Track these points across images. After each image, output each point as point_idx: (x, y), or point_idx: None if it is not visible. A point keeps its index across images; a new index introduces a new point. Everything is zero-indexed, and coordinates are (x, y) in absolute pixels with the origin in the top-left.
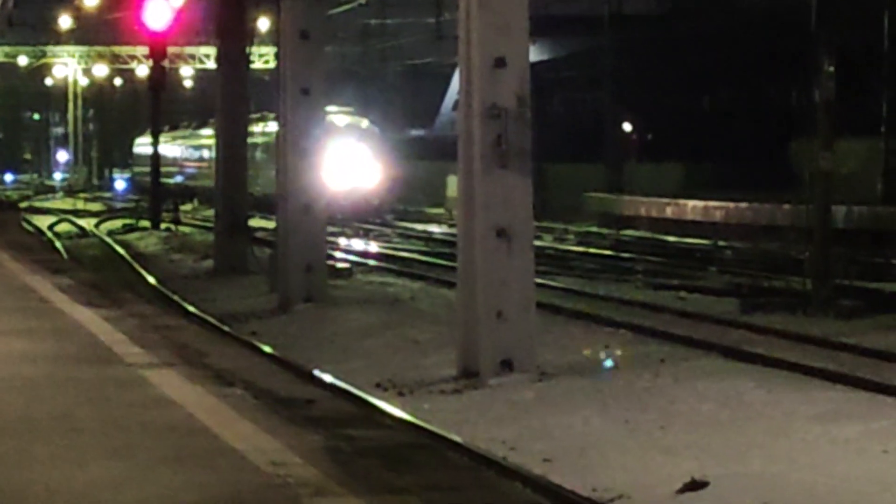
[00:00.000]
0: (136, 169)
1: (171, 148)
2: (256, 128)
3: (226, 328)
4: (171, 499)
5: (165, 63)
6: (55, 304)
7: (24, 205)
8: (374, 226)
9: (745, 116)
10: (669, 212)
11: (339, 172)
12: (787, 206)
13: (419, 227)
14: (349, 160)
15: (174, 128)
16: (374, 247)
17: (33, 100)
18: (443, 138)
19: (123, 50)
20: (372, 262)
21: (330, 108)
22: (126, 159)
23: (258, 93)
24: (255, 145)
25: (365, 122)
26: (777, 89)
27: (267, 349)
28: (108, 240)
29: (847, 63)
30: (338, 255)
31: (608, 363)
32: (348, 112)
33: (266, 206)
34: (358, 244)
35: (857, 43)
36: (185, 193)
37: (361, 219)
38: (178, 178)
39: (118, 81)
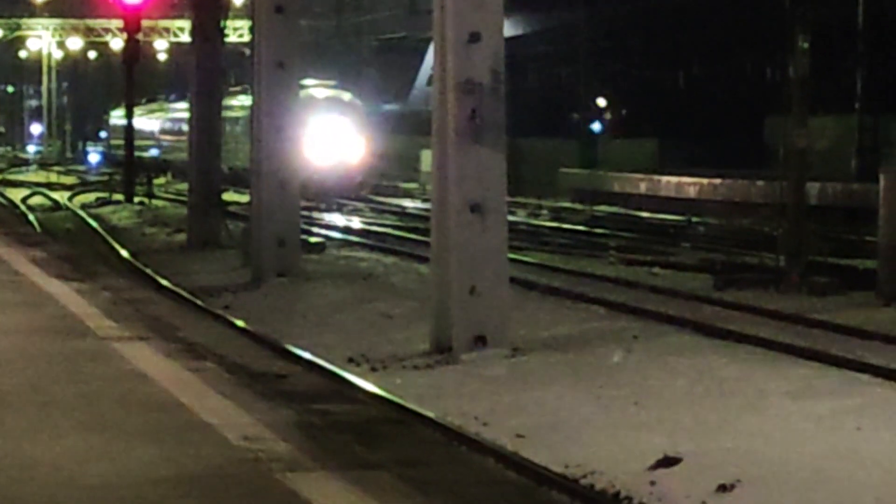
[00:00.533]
0: (112, 142)
1: (145, 121)
2: (236, 101)
3: (199, 302)
4: (144, 473)
5: (140, 36)
6: (28, 276)
7: None
8: (347, 200)
9: (719, 92)
10: (643, 188)
11: (322, 147)
12: (760, 183)
13: (393, 201)
14: (332, 134)
15: (151, 101)
16: (347, 221)
17: (7, 72)
18: (416, 113)
19: (97, 23)
20: (345, 237)
21: (311, 82)
22: (99, 132)
23: (239, 66)
24: (236, 119)
25: (348, 96)
26: (752, 65)
27: (240, 323)
28: (82, 213)
29: (821, 39)
30: (311, 229)
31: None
32: (331, 85)
33: (246, 181)
34: (331, 218)
35: (832, 18)
36: (159, 167)
37: (344, 195)
38: (153, 152)
39: (92, 54)
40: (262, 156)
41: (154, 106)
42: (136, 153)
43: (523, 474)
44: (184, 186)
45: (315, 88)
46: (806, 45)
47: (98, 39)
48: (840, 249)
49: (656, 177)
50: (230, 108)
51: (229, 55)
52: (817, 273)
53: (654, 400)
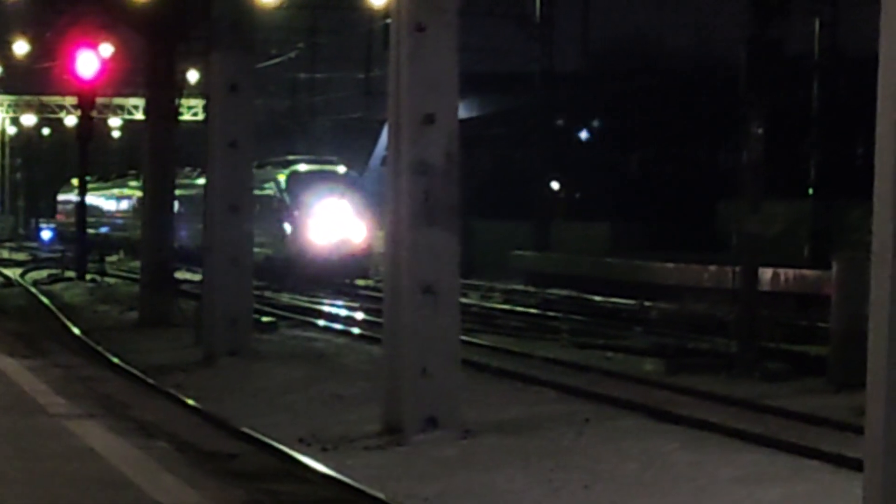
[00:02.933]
0: (66, 219)
1: (97, 199)
2: (202, 179)
3: (150, 380)
4: None
5: (94, 113)
6: None
7: None
8: (298, 281)
9: (672, 177)
10: (595, 271)
11: (324, 227)
12: (713, 268)
13: (345, 281)
14: (334, 213)
15: (103, 178)
16: (299, 301)
17: None
18: (370, 193)
19: (52, 100)
20: (297, 316)
21: (307, 157)
22: (52, 209)
23: (202, 144)
24: (189, 197)
25: (349, 172)
26: (705, 150)
27: (191, 402)
28: (34, 290)
29: (775, 124)
30: (264, 308)
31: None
32: (330, 161)
33: (199, 259)
34: (283, 298)
35: (786, 104)
36: (111, 245)
37: (350, 277)
38: (105, 230)
39: (46, 131)
40: (215, 234)
41: (107, 183)
42: (89, 230)
43: None
44: (136, 264)
45: (313, 165)
46: (760, 131)
47: (52, 116)
48: (792, 335)
49: (609, 260)
50: (195, 186)
51: (196, 133)
52: (769, 359)
53: (605, 484)
